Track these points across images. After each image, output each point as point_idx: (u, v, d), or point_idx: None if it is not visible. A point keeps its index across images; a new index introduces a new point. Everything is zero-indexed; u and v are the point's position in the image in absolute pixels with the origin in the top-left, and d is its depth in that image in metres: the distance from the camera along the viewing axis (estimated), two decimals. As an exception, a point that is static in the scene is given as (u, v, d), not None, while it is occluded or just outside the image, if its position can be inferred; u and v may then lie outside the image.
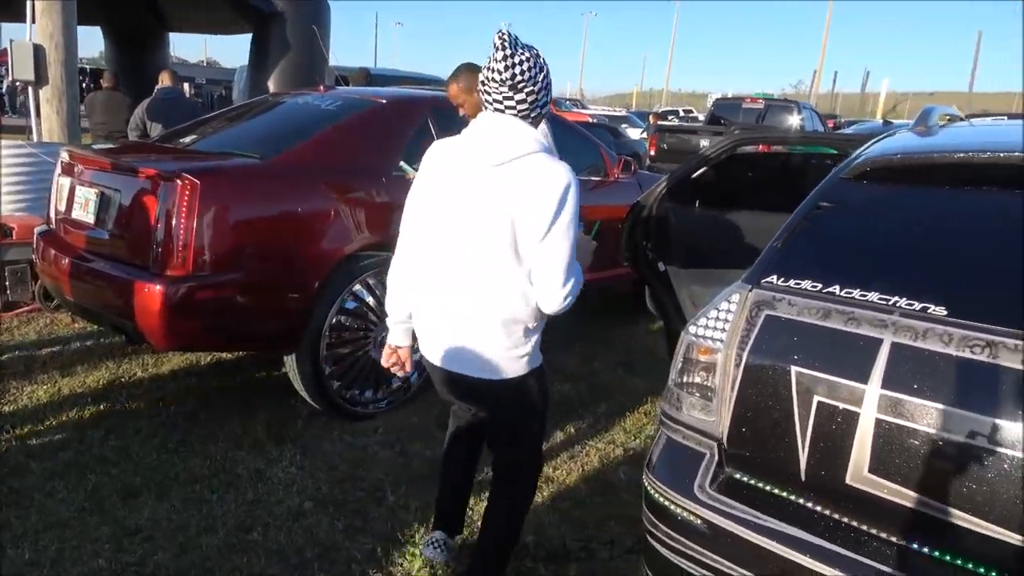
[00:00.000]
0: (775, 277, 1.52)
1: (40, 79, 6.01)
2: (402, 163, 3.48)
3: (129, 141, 4.36)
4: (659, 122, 15.77)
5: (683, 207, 3.11)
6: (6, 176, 5.61)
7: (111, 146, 4.07)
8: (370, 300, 3.38)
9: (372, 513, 2.66)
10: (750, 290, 1.53)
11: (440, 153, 1.92)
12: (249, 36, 10.77)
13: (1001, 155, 1.49)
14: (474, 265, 1.81)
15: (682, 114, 35.90)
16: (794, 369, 1.40)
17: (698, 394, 1.54)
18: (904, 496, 1.27)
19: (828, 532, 1.33)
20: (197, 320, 2.93)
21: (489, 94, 1.76)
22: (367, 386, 3.46)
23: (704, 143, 11.63)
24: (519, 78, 1.71)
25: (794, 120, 13.86)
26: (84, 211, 3.30)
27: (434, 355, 1.97)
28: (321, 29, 10.09)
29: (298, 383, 3.34)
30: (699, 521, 1.43)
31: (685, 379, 1.58)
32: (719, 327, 1.53)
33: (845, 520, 1.34)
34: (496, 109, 1.77)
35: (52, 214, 3.68)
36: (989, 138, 1.85)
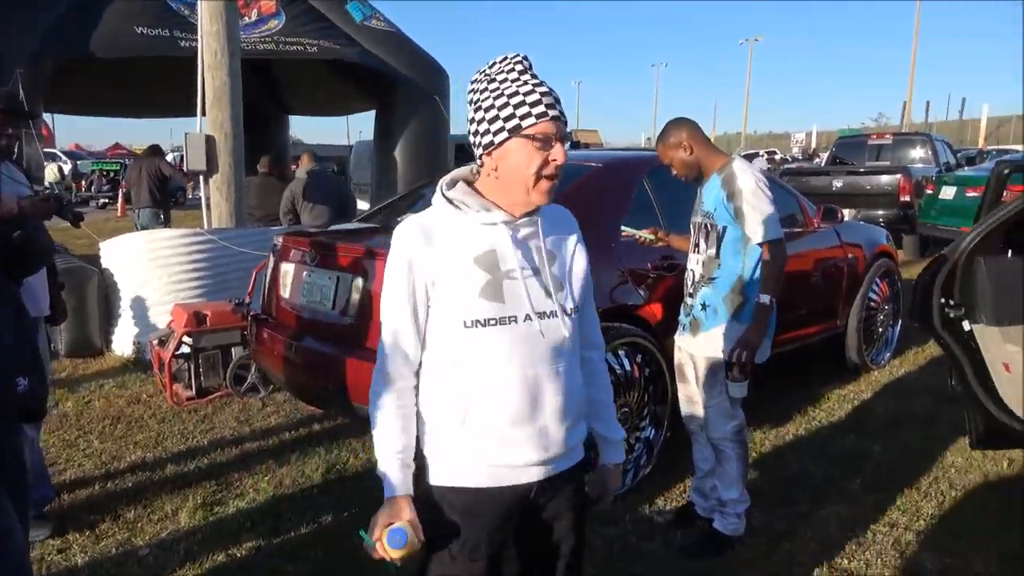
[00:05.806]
0: None
1: (211, 168, 6.21)
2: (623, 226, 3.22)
3: (345, 226, 4.35)
4: (784, 166, 15.29)
5: (993, 257, 2.75)
6: (183, 264, 5.76)
7: (348, 228, 4.07)
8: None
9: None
10: None
11: None
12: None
13: None
14: None
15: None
16: None
17: None
18: None
19: None
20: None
21: None
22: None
23: (837, 183, 11.04)
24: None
25: (919, 153, 13.03)
26: (317, 296, 3.24)
27: None
28: (443, 99, 10.28)
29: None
30: None
31: None
32: None
33: None
34: None
35: (269, 299, 3.69)
36: None
